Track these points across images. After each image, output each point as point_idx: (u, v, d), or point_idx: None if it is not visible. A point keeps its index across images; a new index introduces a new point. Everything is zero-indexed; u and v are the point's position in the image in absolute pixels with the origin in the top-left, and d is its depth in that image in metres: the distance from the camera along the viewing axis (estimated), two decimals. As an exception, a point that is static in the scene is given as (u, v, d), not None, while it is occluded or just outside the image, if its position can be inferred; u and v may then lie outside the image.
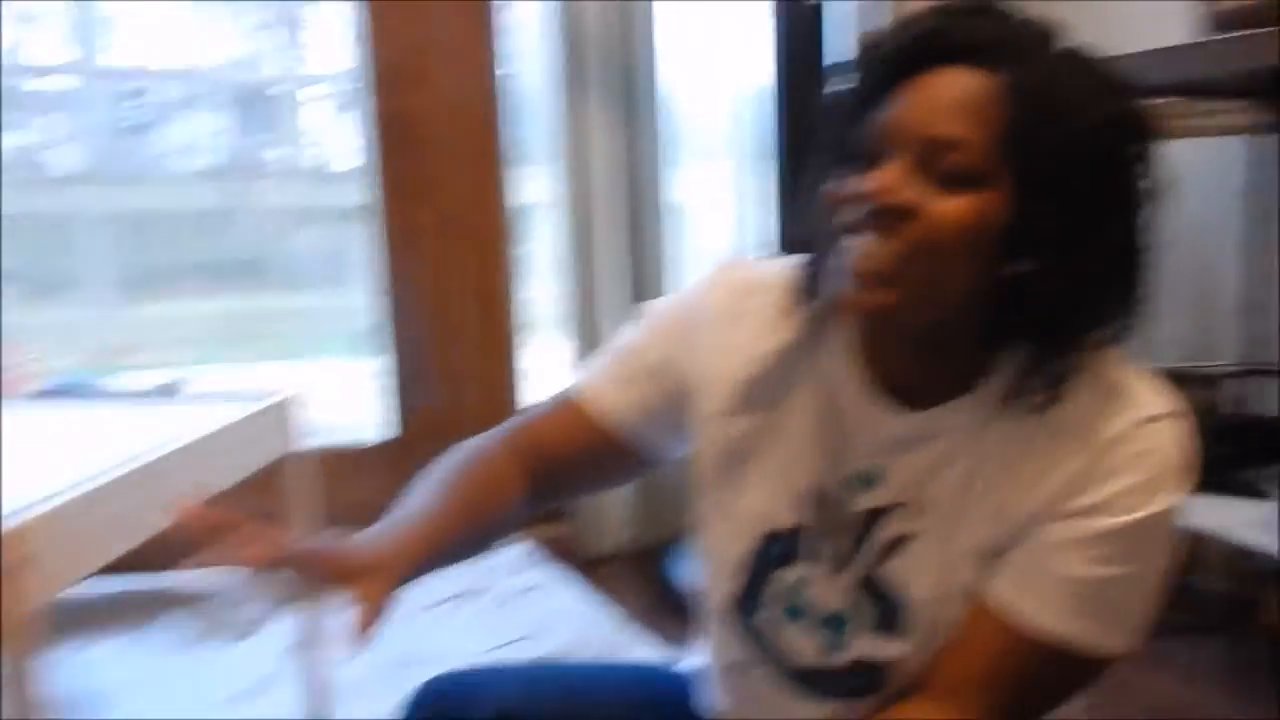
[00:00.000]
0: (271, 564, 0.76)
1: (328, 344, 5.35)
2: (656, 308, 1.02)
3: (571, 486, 1.07)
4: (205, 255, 4.64)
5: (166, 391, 3.60)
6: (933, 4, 0.82)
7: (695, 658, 1.11)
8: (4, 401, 1.86)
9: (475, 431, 1.04)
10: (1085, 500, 0.82)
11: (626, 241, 2.38)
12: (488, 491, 0.97)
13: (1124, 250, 0.80)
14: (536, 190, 2.53)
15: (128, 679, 1.74)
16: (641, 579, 2.22)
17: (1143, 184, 0.79)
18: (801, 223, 0.89)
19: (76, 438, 1.34)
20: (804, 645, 0.94)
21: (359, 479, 2.25)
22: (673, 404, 0.98)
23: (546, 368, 2.44)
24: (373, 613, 0.79)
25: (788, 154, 1.90)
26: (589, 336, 2.30)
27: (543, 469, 0.99)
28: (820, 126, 0.89)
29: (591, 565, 2.31)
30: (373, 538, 0.86)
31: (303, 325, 5.14)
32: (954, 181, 0.77)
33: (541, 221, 2.57)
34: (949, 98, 0.78)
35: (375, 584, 0.79)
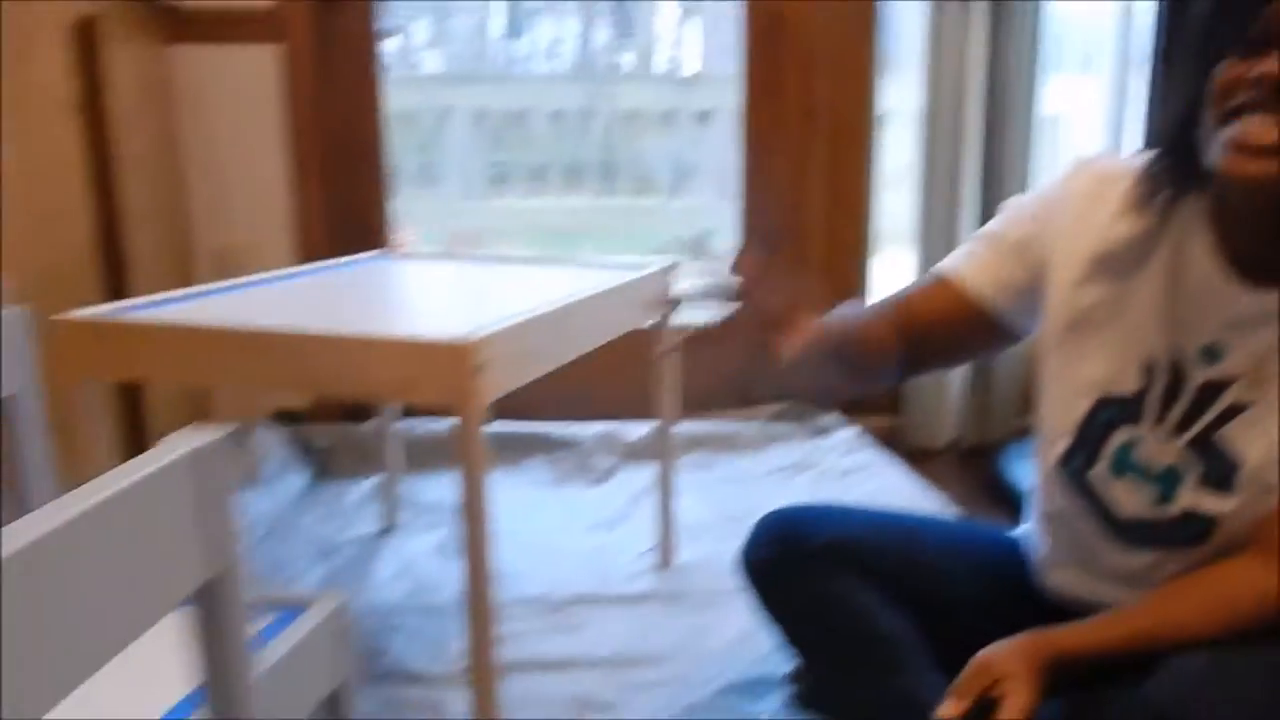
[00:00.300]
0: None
1: (674, 244, 5.64)
2: (1019, 199, 1.12)
3: (937, 356, 1.20)
4: (561, 154, 5.02)
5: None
6: None
7: (1022, 524, 1.21)
8: (417, 257, 2.21)
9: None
10: None
11: (986, 154, 2.31)
12: (864, 334, 1.12)
13: None
14: (898, 98, 2.55)
15: (503, 505, 2.05)
16: (968, 475, 2.27)
17: None
18: (1172, 113, 0.95)
19: (491, 286, 1.59)
20: (1133, 498, 1.03)
21: (702, 353, 2.46)
22: (1033, 279, 1.08)
23: (891, 281, 2.43)
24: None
25: (1164, 58, 1.83)
26: (937, 252, 2.21)
27: (912, 337, 1.13)
28: (1195, 19, 0.92)
29: (919, 457, 2.40)
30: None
31: (650, 224, 5.45)
32: None
33: (900, 130, 2.57)
34: None
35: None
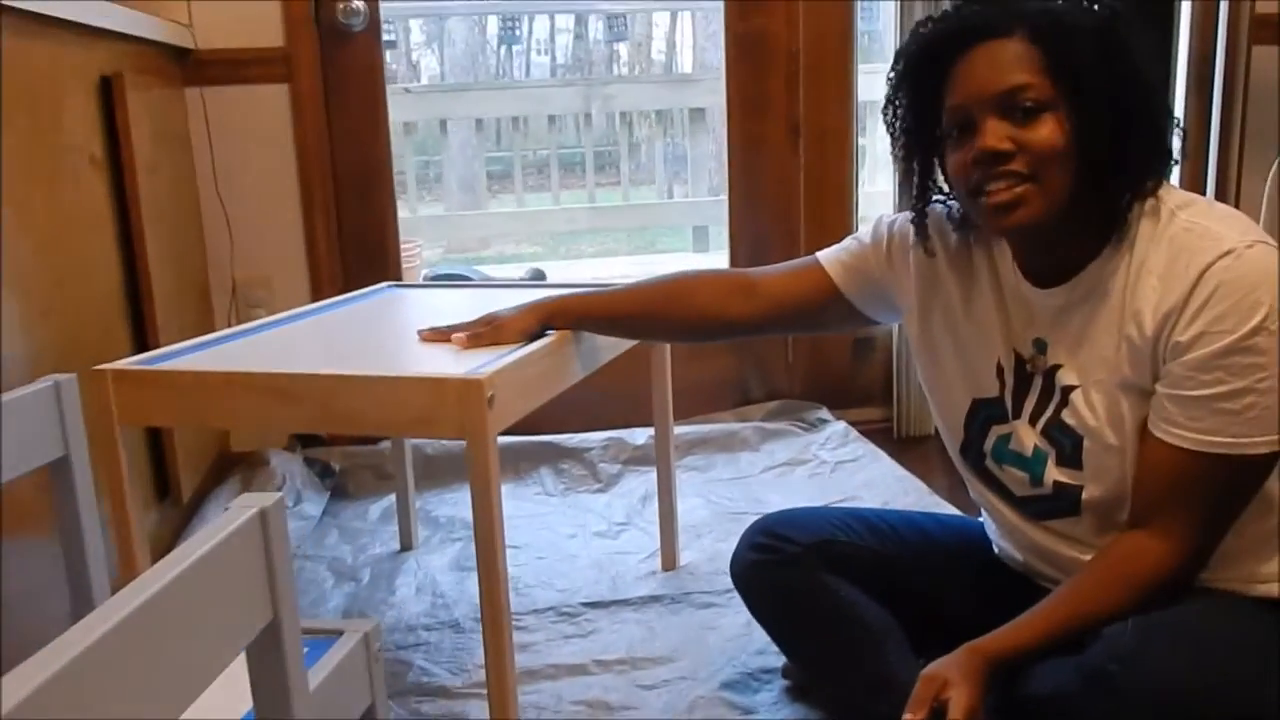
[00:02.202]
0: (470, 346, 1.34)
1: (668, 239, 5.73)
2: (883, 220, 1.33)
3: (797, 322, 1.47)
4: (559, 155, 5.11)
5: (537, 278, 4.09)
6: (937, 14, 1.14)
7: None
8: (421, 285, 2.30)
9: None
10: (1190, 332, 1.02)
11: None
12: (687, 294, 1.40)
13: (1155, 102, 1.08)
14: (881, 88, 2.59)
15: (513, 514, 2.15)
16: (950, 462, 2.37)
17: (1139, 56, 1.06)
18: (919, 189, 1.22)
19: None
20: (1017, 481, 1.22)
21: (700, 363, 2.56)
22: (885, 299, 1.32)
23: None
24: (483, 341, 1.35)
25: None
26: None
27: (778, 303, 1.36)
28: (890, 121, 1.19)
29: (909, 445, 2.51)
30: (530, 302, 1.43)
31: (645, 220, 5.53)
32: (1033, 113, 1.03)
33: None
34: (999, 61, 1.05)
35: (506, 331, 1.36)
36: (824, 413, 2.58)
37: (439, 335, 1.41)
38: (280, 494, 0.69)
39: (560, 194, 5.08)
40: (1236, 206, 2.11)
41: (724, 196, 2.64)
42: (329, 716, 0.99)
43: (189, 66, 2.25)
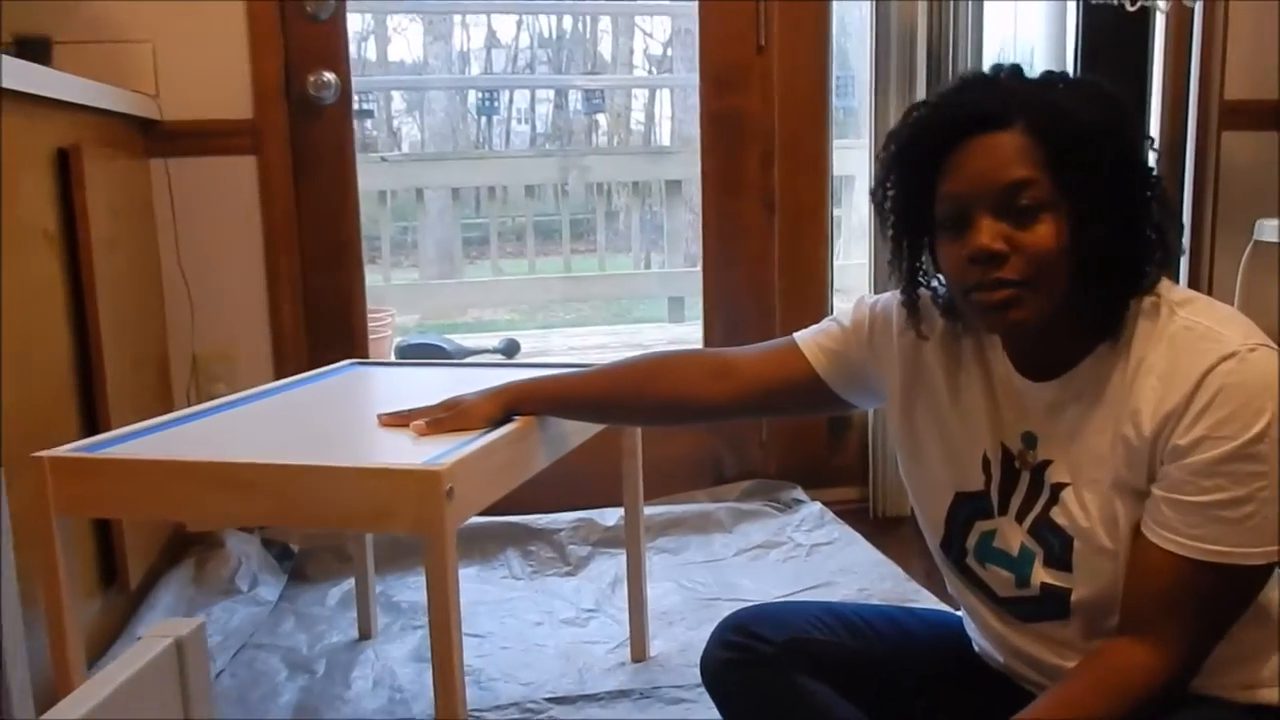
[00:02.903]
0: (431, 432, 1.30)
1: (644, 308, 5.73)
2: (865, 301, 1.27)
3: (772, 407, 1.40)
4: (536, 225, 5.11)
5: (509, 350, 4.04)
6: (933, 96, 1.10)
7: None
8: (385, 363, 2.25)
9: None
10: (1190, 436, 0.98)
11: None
12: (659, 378, 1.35)
13: (1158, 197, 1.03)
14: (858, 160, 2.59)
15: (478, 599, 2.08)
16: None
17: (1143, 151, 1.04)
18: (905, 274, 1.15)
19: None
20: (1000, 581, 1.16)
21: (673, 442, 2.51)
22: (866, 384, 1.27)
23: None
24: (444, 428, 1.31)
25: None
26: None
27: (753, 387, 1.30)
28: (893, 211, 1.13)
29: (886, 526, 2.46)
30: (496, 387, 1.38)
31: (621, 290, 5.52)
32: (1030, 213, 0.99)
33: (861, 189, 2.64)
34: (997, 155, 1.00)
35: (469, 417, 1.32)
36: (799, 493, 2.53)
37: (399, 419, 1.36)
38: (200, 621, 0.63)
39: (536, 261, 5.07)
40: (1209, 293, 2.12)
41: (699, 268, 2.62)
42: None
43: (154, 137, 2.20)
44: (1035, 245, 0.99)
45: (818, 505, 2.46)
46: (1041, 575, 1.11)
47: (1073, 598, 1.10)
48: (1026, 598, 1.14)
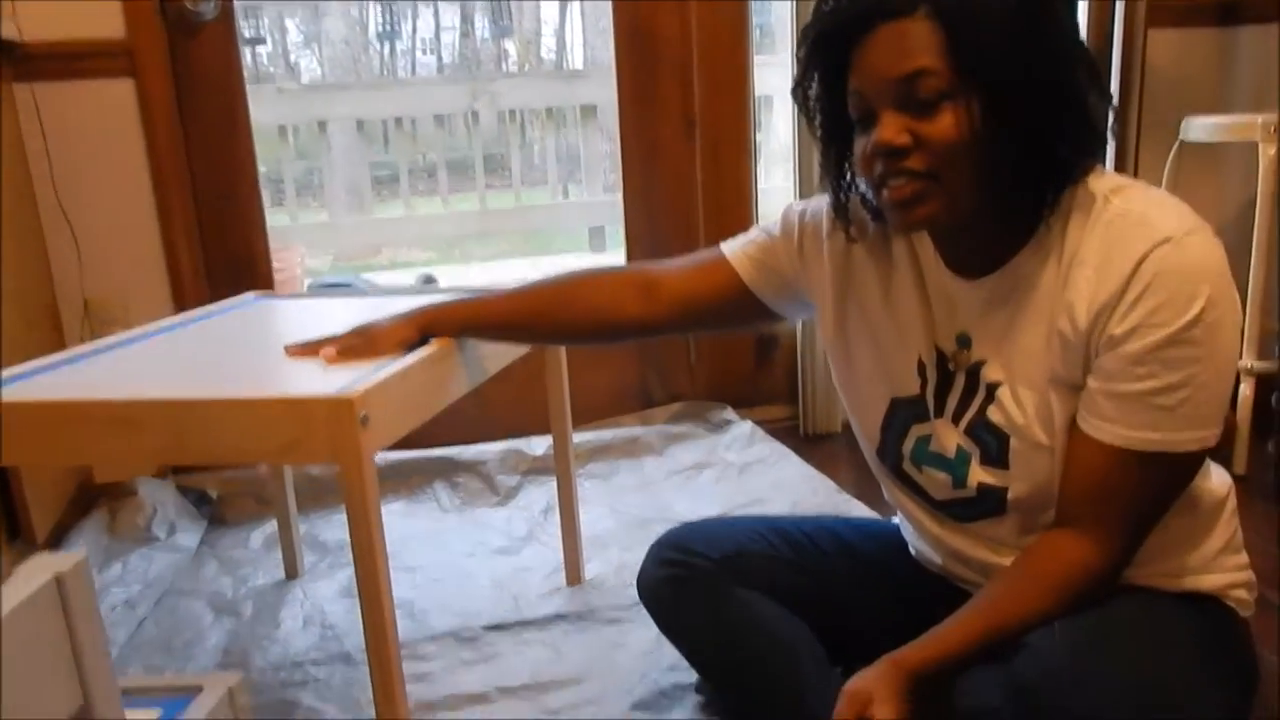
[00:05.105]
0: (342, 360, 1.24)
1: (564, 240, 5.62)
2: (794, 208, 1.24)
3: (700, 322, 1.32)
4: (447, 157, 4.96)
5: (428, 282, 3.94)
6: None
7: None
8: (292, 295, 2.17)
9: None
10: (1125, 325, 0.96)
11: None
12: (581, 295, 1.31)
13: (1083, 81, 0.97)
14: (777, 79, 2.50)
15: (406, 534, 2.03)
16: (860, 458, 2.33)
17: (1068, 29, 0.98)
18: (831, 174, 1.12)
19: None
20: (937, 484, 1.15)
21: (600, 366, 2.47)
22: (796, 294, 1.23)
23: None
24: (356, 355, 1.26)
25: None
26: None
27: (679, 302, 1.27)
28: (802, 103, 1.10)
29: (817, 443, 2.46)
30: (408, 311, 1.33)
31: (538, 222, 5.41)
32: (931, 104, 0.95)
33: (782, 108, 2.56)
34: (898, 45, 0.95)
35: (382, 343, 1.27)
36: (729, 413, 2.52)
37: (307, 350, 1.29)
38: (82, 554, 0.57)
39: (450, 198, 4.93)
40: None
41: (619, 195, 2.55)
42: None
43: (15, 60, 2.03)
44: (937, 137, 0.95)
45: (748, 424, 2.45)
46: (978, 475, 1.10)
47: (1009, 495, 1.09)
48: (963, 499, 1.13)
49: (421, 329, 1.31)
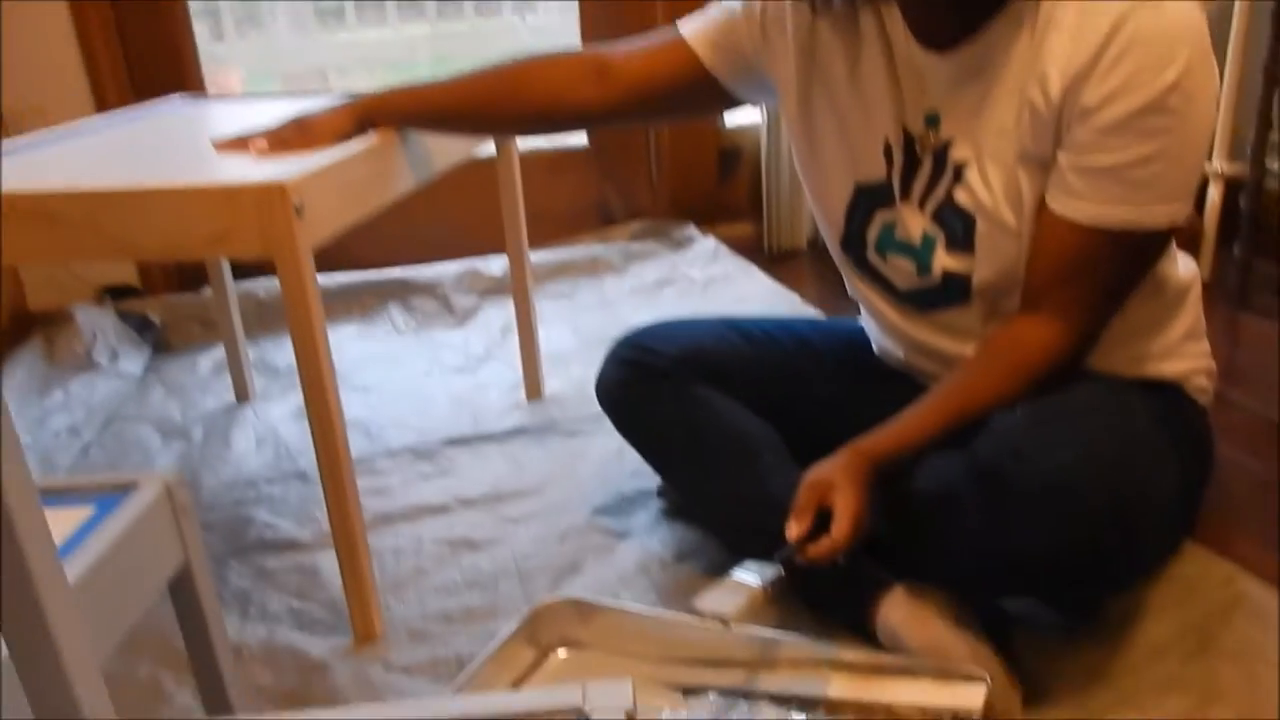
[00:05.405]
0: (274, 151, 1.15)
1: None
2: None
3: (657, 108, 1.24)
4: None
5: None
6: None
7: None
8: (222, 97, 2.03)
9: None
10: (1100, 92, 0.90)
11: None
12: (531, 79, 1.22)
13: None
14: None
15: (361, 355, 1.98)
16: (827, 273, 2.29)
17: None
18: None
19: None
20: (901, 273, 1.11)
21: (558, 184, 2.39)
22: (758, 76, 1.15)
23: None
24: (289, 146, 1.17)
25: None
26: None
27: (635, 86, 1.19)
28: None
29: (781, 259, 2.41)
30: (345, 103, 1.23)
31: (493, 46, 5.18)
32: None
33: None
34: None
35: (317, 133, 1.18)
36: (691, 230, 2.45)
37: (237, 144, 1.20)
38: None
39: (400, 26, 4.69)
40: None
41: (576, 17, 2.42)
42: (124, 585, 0.83)
43: None
44: None
45: (711, 240, 2.39)
46: (943, 261, 1.07)
47: (974, 281, 1.05)
48: (928, 287, 1.09)
49: (360, 119, 1.22)
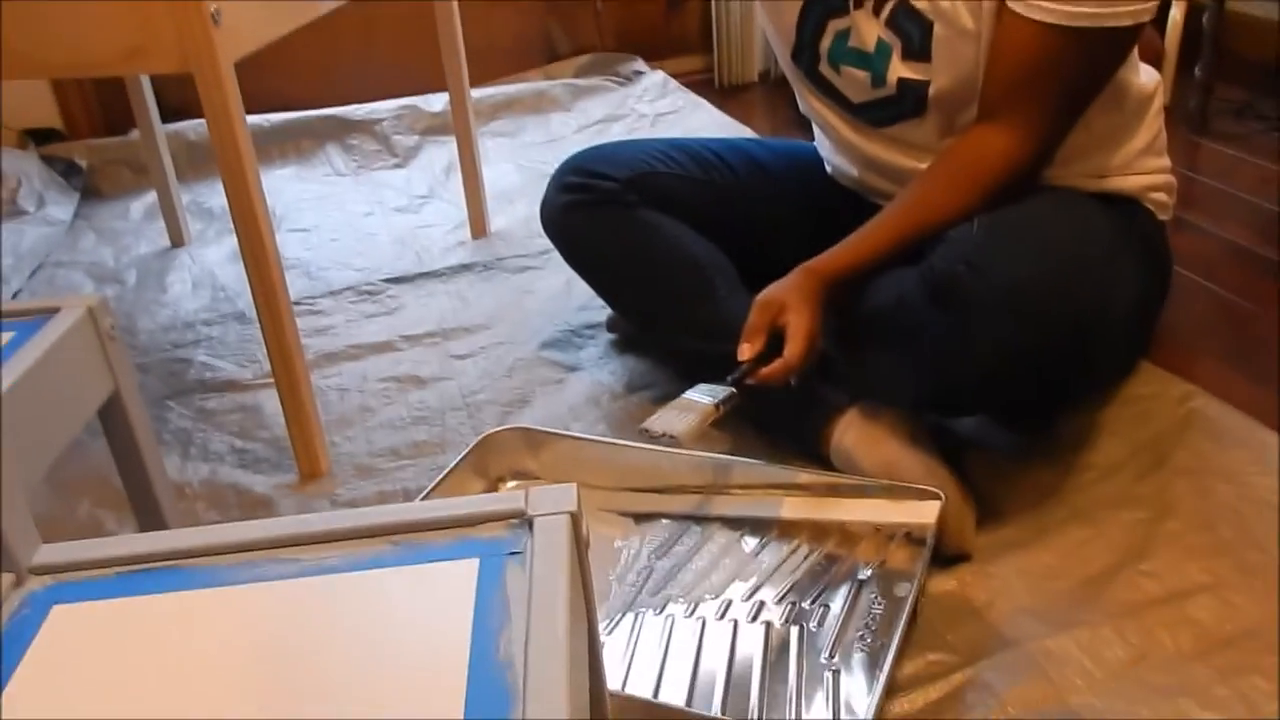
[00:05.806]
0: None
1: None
2: None
3: None
4: None
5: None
6: None
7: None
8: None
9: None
10: None
11: None
12: None
13: None
14: None
15: (299, 196, 1.91)
16: (780, 106, 2.23)
17: None
18: None
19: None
20: (855, 85, 1.06)
21: (497, 18, 2.28)
22: None
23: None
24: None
25: None
26: None
27: None
28: None
29: (732, 93, 2.34)
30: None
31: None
32: None
33: None
34: None
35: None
36: (639, 64, 2.36)
37: None
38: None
39: None
40: None
41: None
42: (49, 408, 0.80)
43: None
44: None
45: (660, 74, 2.31)
46: (899, 70, 1.02)
47: (930, 90, 1.02)
48: (883, 98, 1.05)
49: None
